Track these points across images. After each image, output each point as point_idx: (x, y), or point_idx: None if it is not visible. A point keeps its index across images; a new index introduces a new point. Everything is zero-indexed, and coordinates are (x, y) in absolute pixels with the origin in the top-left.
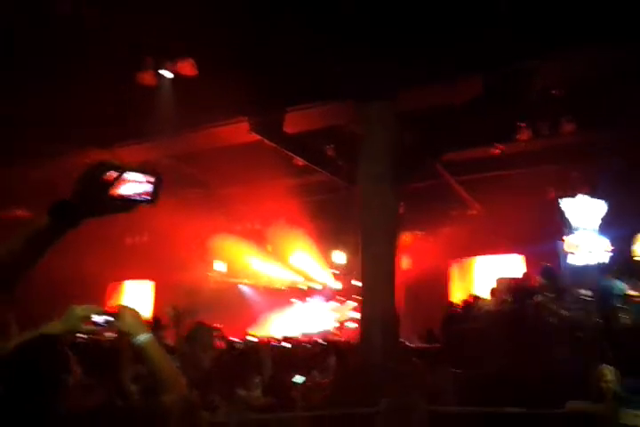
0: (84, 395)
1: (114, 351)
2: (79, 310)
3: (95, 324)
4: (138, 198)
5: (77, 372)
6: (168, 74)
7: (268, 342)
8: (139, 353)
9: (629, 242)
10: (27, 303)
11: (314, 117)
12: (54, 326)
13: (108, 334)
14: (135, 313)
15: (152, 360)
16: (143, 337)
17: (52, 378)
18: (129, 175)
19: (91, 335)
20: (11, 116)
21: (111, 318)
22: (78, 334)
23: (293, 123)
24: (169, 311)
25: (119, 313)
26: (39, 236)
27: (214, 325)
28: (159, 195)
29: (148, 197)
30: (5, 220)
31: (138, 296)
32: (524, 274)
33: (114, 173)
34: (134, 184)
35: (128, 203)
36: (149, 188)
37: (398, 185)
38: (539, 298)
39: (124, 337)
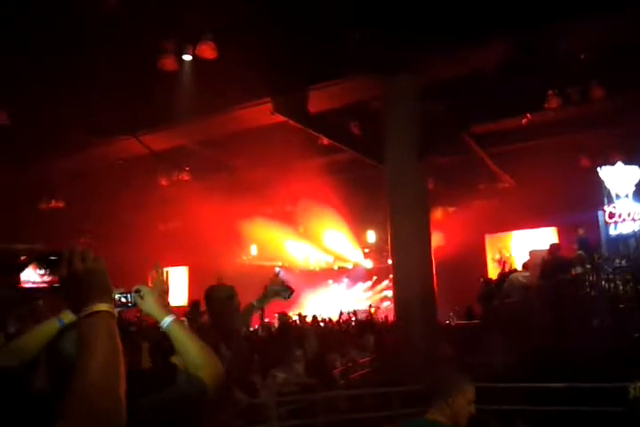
0: None
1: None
2: None
3: (119, 303)
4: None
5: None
6: (189, 57)
7: (312, 321)
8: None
9: None
10: None
11: (337, 94)
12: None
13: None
14: (157, 294)
15: (179, 342)
16: (168, 320)
17: None
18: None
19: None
20: (36, 110)
21: (134, 298)
22: None
23: (317, 101)
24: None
25: (141, 294)
26: None
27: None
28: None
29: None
30: (44, 211)
31: (176, 282)
32: (552, 246)
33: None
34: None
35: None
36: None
37: (426, 160)
38: (577, 270)
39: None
